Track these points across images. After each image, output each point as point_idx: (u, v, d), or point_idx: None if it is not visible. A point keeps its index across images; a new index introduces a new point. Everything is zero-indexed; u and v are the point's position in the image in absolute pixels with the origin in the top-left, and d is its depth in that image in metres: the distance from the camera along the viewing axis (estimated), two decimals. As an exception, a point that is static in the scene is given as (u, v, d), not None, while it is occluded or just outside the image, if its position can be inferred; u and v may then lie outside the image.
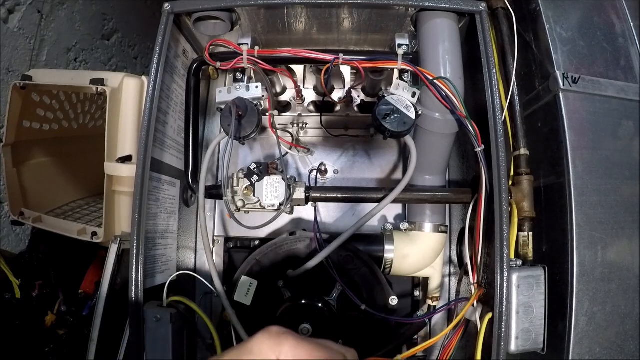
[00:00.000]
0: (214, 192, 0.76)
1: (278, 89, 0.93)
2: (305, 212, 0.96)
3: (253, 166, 0.72)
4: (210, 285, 0.84)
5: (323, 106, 0.95)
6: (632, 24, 0.70)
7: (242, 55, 0.70)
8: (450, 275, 0.92)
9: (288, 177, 0.73)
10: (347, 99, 0.93)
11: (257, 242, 0.92)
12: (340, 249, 0.75)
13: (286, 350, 0.37)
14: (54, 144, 1.09)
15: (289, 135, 0.98)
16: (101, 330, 0.79)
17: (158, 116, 0.70)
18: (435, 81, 0.66)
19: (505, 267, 0.59)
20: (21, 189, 1.02)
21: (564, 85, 0.64)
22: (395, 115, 0.66)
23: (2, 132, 0.99)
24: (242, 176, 0.73)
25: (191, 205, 0.87)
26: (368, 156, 0.98)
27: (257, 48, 0.71)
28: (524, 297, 0.60)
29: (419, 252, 0.80)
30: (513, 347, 0.59)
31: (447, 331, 0.70)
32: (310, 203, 0.76)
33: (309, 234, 0.81)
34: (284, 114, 0.98)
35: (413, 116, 0.66)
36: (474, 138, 0.65)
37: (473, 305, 0.66)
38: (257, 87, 0.70)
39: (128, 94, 0.86)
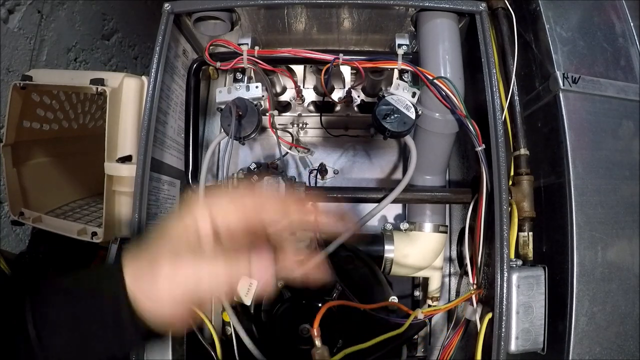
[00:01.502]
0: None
1: (278, 89, 0.93)
2: (305, 212, 0.95)
3: (253, 166, 0.72)
4: (210, 285, 0.84)
5: (323, 106, 0.95)
6: (632, 24, 0.70)
7: (242, 55, 0.70)
8: (450, 275, 0.92)
9: (288, 177, 0.73)
10: (347, 99, 0.93)
11: (257, 242, 0.91)
12: (340, 249, 0.75)
13: (216, 202, 0.37)
14: (54, 144, 1.09)
15: (289, 135, 0.98)
16: (101, 330, 0.78)
17: (158, 116, 0.69)
18: (435, 81, 0.66)
19: (505, 267, 0.59)
20: (21, 189, 1.02)
21: (564, 85, 0.64)
22: (395, 115, 0.66)
23: (2, 132, 0.99)
24: (242, 176, 0.73)
25: (191, 205, 0.87)
26: (368, 156, 0.98)
27: (257, 48, 0.71)
28: (524, 297, 0.60)
29: (419, 252, 0.80)
30: (513, 347, 0.59)
31: (449, 307, 0.70)
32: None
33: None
34: (284, 114, 0.98)
35: (413, 116, 0.66)
36: (474, 137, 0.65)
37: (473, 305, 0.66)
38: (257, 87, 0.70)
39: (128, 94, 0.86)
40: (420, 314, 0.69)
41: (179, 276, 0.36)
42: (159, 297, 0.36)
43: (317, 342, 0.63)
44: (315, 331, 0.63)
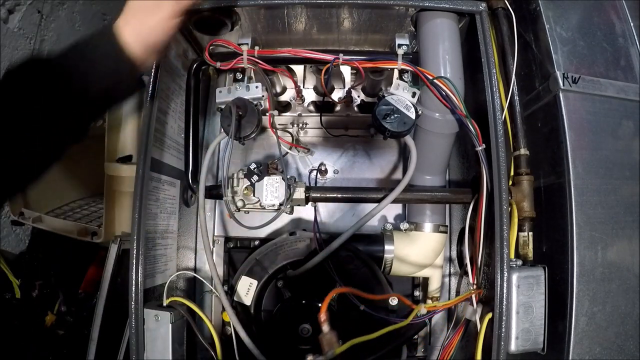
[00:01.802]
0: (214, 192, 0.76)
1: (278, 89, 0.93)
2: (305, 212, 0.96)
3: (253, 166, 0.72)
4: (210, 285, 0.84)
5: (323, 106, 0.95)
6: (632, 24, 0.70)
7: (242, 55, 0.70)
8: (450, 275, 0.92)
9: (288, 177, 0.73)
10: (347, 99, 0.93)
11: (257, 242, 0.92)
12: (340, 249, 0.75)
13: None
14: (54, 144, 1.09)
15: (289, 135, 0.98)
16: (101, 330, 0.79)
17: (158, 116, 0.70)
18: (435, 81, 0.66)
19: (505, 267, 0.59)
20: (21, 189, 1.02)
21: (564, 85, 0.64)
22: (395, 115, 0.66)
23: (2, 132, 0.99)
24: (242, 176, 0.73)
25: (191, 205, 0.87)
26: (368, 156, 0.98)
27: (257, 48, 0.71)
28: (524, 297, 0.60)
29: (419, 252, 0.80)
30: (513, 347, 0.59)
31: (444, 305, 0.70)
32: (310, 203, 0.76)
33: (309, 234, 0.81)
34: (284, 114, 0.98)
35: (413, 116, 0.66)
36: (474, 137, 0.65)
37: (473, 305, 0.66)
38: (257, 87, 0.70)
39: (128, 94, 0.86)
40: (423, 309, 0.69)
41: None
42: (166, 21, 0.54)
43: (325, 327, 0.63)
44: (324, 315, 0.63)
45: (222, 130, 0.69)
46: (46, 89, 0.50)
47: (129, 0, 0.55)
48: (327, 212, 0.96)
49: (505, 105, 0.67)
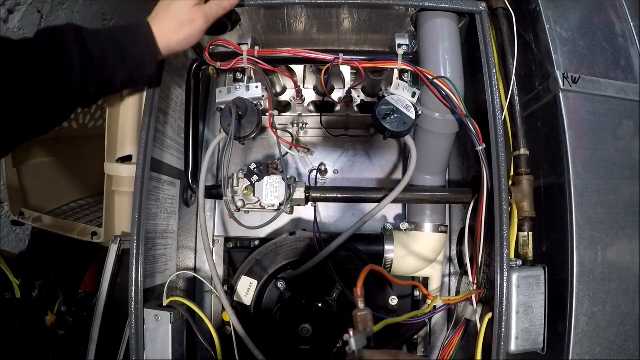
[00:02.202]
0: (214, 192, 0.76)
1: (278, 89, 0.93)
2: (305, 212, 0.96)
3: (253, 166, 0.72)
4: (210, 285, 0.84)
5: (323, 106, 0.95)
6: (632, 24, 0.70)
7: (242, 55, 0.70)
8: (450, 275, 0.92)
9: (288, 177, 0.73)
10: (347, 99, 0.93)
11: (257, 242, 0.92)
12: (340, 249, 0.75)
13: None
14: (54, 144, 1.09)
15: (289, 135, 0.98)
16: (101, 330, 0.78)
17: (158, 116, 0.69)
18: (435, 81, 0.66)
19: (505, 267, 0.59)
20: (21, 189, 1.02)
21: (564, 85, 0.64)
22: (395, 115, 0.66)
23: (2, 132, 0.99)
24: (242, 176, 0.73)
25: (191, 205, 0.87)
26: (368, 156, 0.98)
27: (257, 48, 0.71)
28: (524, 297, 0.60)
29: (419, 252, 0.80)
30: (513, 347, 0.59)
31: (436, 301, 0.70)
32: (310, 203, 0.76)
33: (309, 234, 0.81)
34: (284, 114, 0.98)
35: (413, 116, 0.66)
36: (474, 137, 0.65)
37: (473, 305, 0.66)
38: (257, 87, 0.70)
39: (128, 93, 0.86)
40: (439, 301, 0.70)
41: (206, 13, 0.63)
42: (194, 37, 0.63)
43: (361, 304, 0.62)
44: (360, 291, 0.62)
45: (222, 130, 0.69)
46: (76, 53, 0.54)
47: (162, 9, 0.63)
48: (327, 212, 0.96)
49: (505, 105, 0.67)
